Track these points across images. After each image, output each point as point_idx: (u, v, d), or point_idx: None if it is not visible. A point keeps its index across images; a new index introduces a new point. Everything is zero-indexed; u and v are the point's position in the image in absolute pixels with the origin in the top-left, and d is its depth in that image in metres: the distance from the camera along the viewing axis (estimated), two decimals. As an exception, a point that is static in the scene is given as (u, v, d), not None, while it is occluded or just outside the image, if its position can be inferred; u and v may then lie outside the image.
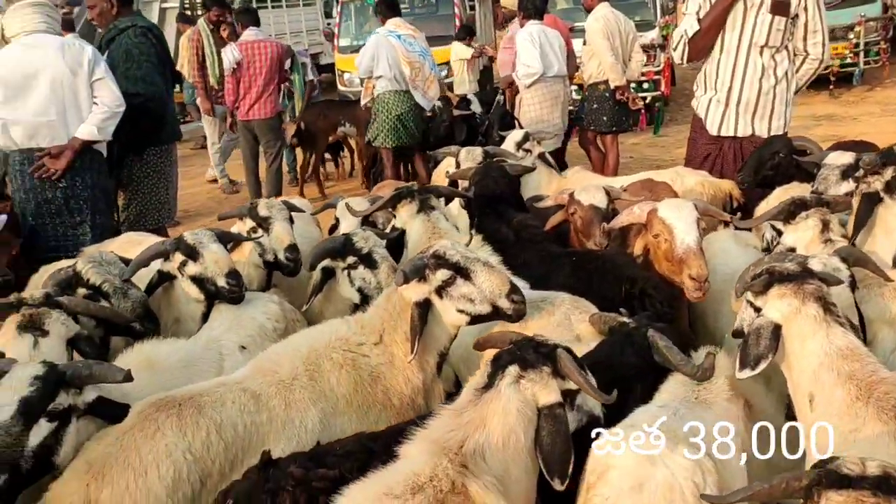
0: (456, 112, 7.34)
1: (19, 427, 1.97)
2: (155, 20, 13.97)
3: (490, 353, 2.15)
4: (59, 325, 2.57)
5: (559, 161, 6.57)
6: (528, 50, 6.63)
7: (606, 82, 7.00)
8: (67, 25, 8.02)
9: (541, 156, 4.85)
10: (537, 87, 6.65)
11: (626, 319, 2.39)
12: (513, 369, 1.96)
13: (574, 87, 8.90)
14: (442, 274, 2.50)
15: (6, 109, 4.03)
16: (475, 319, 2.54)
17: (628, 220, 2.96)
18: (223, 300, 2.87)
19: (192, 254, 2.86)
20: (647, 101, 11.24)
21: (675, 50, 4.51)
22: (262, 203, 3.36)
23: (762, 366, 2.13)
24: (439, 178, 5.30)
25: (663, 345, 2.16)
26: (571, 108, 7.63)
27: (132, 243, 3.83)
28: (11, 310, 2.58)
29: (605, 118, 7.13)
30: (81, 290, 2.81)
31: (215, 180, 9.93)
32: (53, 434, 2.04)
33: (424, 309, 2.53)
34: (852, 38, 11.95)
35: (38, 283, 3.67)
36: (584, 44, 7.12)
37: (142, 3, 14.24)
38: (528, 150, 4.82)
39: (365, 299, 3.09)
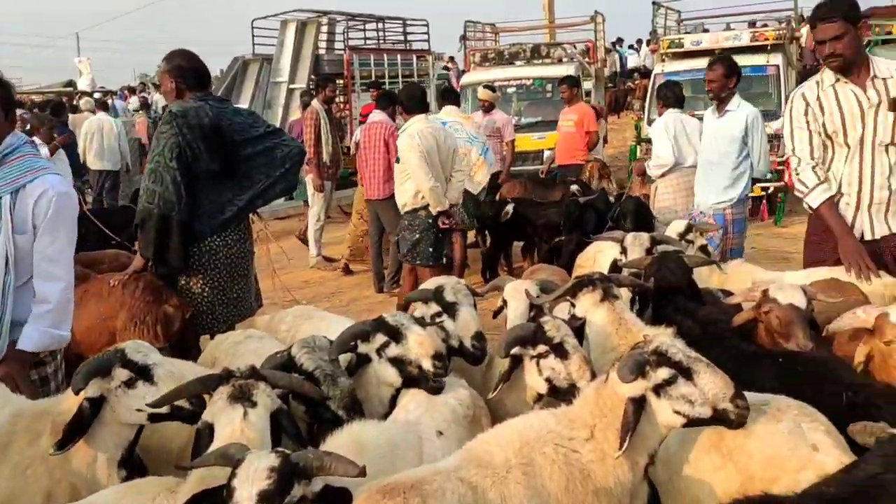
0: (582, 199, 7.37)
1: (258, 522, 1.94)
2: (282, 101, 14.67)
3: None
4: (266, 397, 2.56)
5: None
6: (661, 140, 6.59)
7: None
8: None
9: (702, 248, 4.73)
10: (672, 176, 6.60)
11: (896, 431, 2.23)
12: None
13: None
14: (663, 372, 2.43)
15: None
16: (692, 423, 2.44)
17: (851, 323, 2.80)
18: (425, 384, 2.83)
19: (395, 335, 2.85)
20: (769, 192, 11.03)
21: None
22: (448, 287, 3.35)
23: None
24: (587, 263, 5.23)
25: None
26: None
27: (303, 318, 3.89)
28: (221, 382, 2.60)
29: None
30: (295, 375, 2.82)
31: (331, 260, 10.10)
32: (289, 526, 1.99)
33: (639, 406, 2.45)
34: None
35: (211, 355, 3.76)
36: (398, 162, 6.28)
37: (271, 83, 15.05)
38: (690, 242, 4.72)
39: (552, 390, 3.02)
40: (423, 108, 6.37)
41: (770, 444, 2.45)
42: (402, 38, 19.06)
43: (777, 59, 11.56)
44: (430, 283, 3.69)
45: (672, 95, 6.94)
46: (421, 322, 3.16)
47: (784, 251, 9.41)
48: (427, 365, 2.84)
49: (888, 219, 4.14)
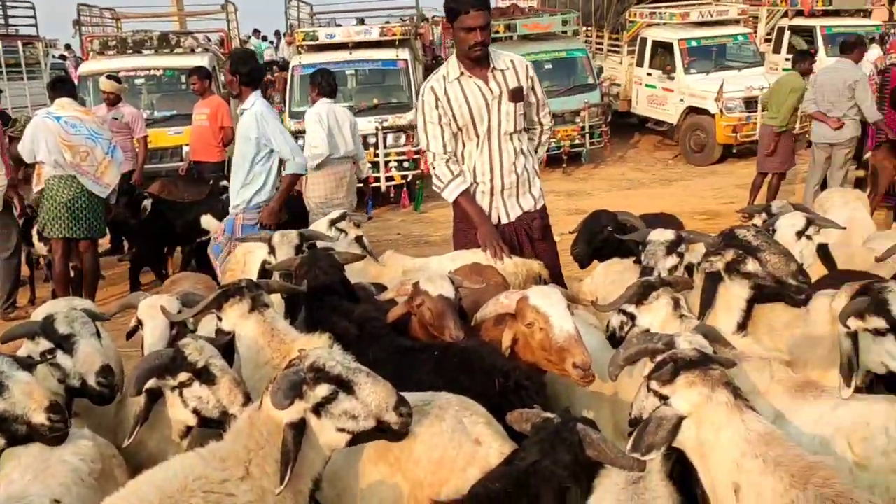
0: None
1: None
2: None
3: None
4: None
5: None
6: (315, 131, 6.43)
7: None
8: None
9: (357, 239, 4.62)
10: (324, 167, 6.47)
11: (549, 415, 2.25)
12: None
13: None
14: (322, 390, 2.20)
15: None
16: (356, 439, 2.26)
17: (496, 310, 2.84)
18: (41, 438, 2.25)
19: (-10, 388, 2.22)
20: (409, 180, 11.56)
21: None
22: (59, 316, 2.74)
23: (653, 455, 2.12)
24: (236, 267, 4.84)
25: (597, 438, 2.05)
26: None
27: None
28: None
29: None
30: None
31: None
32: None
33: (299, 430, 2.20)
34: (579, 121, 13.31)
35: None
36: None
37: None
38: (342, 230, 4.57)
39: (202, 421, 2.64)
40: None
41: (436, 447, 2.37)
42: (1, 21, 16.47)
43: (405, 53, 12.13)
44: (38, 312, 3.04)
45: (327, 84, 6.80)
46: (27, 364, 2.55)
47: (426, 235, 9.92)
48: (40, 419, 2.27)
49: (520, 200, 4.43)
